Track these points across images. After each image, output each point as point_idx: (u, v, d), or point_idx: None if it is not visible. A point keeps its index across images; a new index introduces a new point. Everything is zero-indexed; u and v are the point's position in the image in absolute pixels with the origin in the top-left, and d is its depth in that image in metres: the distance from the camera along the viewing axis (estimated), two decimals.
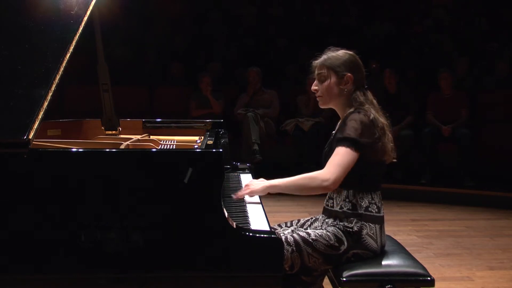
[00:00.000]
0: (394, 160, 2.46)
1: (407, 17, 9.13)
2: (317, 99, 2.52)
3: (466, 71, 7.50)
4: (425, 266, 2.40)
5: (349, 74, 2.43)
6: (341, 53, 2.48)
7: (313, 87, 2.51)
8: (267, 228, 2.22)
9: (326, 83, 2.45)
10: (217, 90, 7.19)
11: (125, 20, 8.07)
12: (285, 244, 2.24)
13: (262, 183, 2.46)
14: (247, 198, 2.67)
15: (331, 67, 2.44)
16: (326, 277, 2.46)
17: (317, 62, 2.50)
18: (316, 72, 2.49)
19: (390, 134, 2.42)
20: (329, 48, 2.52)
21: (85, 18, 2.38)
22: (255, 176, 3.00)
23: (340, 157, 2.28)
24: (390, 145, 2.40)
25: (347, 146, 2.28)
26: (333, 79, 2.44)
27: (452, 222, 5.43)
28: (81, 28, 2.33)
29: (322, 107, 2.57)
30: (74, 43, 2.26)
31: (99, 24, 3.08)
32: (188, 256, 1.96)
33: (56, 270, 1.95)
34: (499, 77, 7.33)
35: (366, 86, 2.49)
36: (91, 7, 2.45)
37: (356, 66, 2.47)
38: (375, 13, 9.23)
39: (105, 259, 1.94)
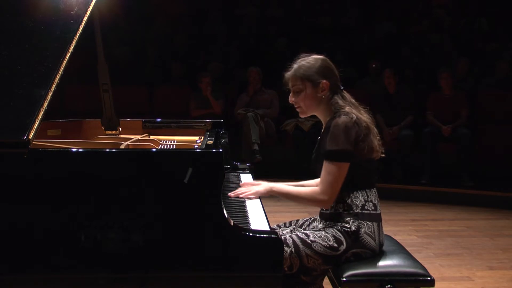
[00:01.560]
0: (383, 155, 2.45)
1: (407, 17, 9.13)
2: (297, 109, 2.51)
3: (466, 71, 7.50)
4: (425, 266, 2.40)
5: (324, 81, 2.41)
6: (312, 60, 2.45)
7: (290, 99, 2.49)
8: (267, 228, 2.22)
9: (302, 94, 2.44)
10: (217, 90, 7.19)
11: (125, 20, 8.06)
12: (284, 245, 2.24)
13: (264, 185, 2.45)
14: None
15: (305, 77, 2.42)
16: (326, 277, 2.46)
17: (289, 74, 2.48)
18: (290, 84, 2.47)
19: (375, 130, 2.41)
20: (299, 57, 2.50)
21: (85, 18, 2.38)
22: (255, 176, 3.00)
23: (332, 177, 2.30)
24: (376, 141, 2.40)
25: (336, 161, 2.30)
26: (309, 88, 2.42)
27: (452, 222, 5.42)
28: (81, 28, 2.33)
29: (302, 116, 2.56)
30: (74, 43, 2.26)
31: (99, 24, 3.08)
32: (188, 256, 1.96)
33: (56, 270, 1.95)
34: (499, 77, 7.33)
35: (342, 88, 2.47)
36: (91, 7, 2.45)
37: (330, 71, 2.45)
38: (375, 13, 9.23)
39: (105, 259, 1.94)
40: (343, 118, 2.32)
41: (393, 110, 6.71)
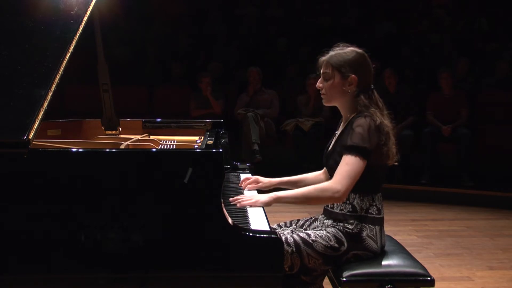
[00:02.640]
0: (396, 163, 2.43)
1: (407, 17, 9.13)
2: (321, 96, 2.49)
3: (466, 71, 7.50)
4: (425, 266, 2.40)
5: (353, 75, 2.38)
6: (349, 51, 2.42)
7: (318, 84, 2.46)
8: (267, 228, 2.22)
9: (330, 82, 2.41)
10: (217, 90, 7.19)
11: (125, 20, 8.06)
12: (285, 244, 2.24)
13: (267, 194, 2.39)
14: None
15: (336, 67, 2.39)
16: (326, 277, 2.46)
17: (323, 58, 2.44)
18: (321, 69, 2.45)
19: (394, 138, 2.39)
20: (338, 45, 2.46)
21: (85, 18, 2.38)
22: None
23: (350, 167, 2.26)
24: (394, 149, 2.38)
25: (356, 155, 2.26)
26: (337, 79, 2.39)
27: (452, 222, 5.43)
28: (81, 28, 2.33)
29: (325, 104, 2.53)
30: (74, 43, 2.26)
31: (99, 24, 3.08)
32: (188, 256, 1.96)
33: (56, 270, 1.95)
34: (499, 77, 7.33)
35: (372, 87, 2.44)
36: (91, 7, 2.45)
37: (363, 67, 2.41)
38: (375, 13, 9.23)
39: (105, 259, 1.94)
40: (368, 120, 2.30)
41: (393, 110, 6.70)
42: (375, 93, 2.44)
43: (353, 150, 2.27)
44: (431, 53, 8.28)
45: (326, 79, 2.43)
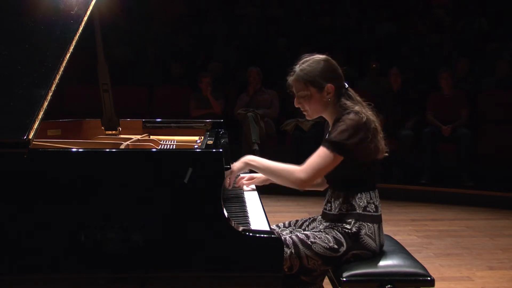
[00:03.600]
0: (386, 154, 2.41)
1: (407, 17, 9.13)
2: (303, 113, 2.48)
3: (466, 71, 7.50)
4: (425, 266, 2.40)
5: (329, 84, 2.36)
6: (314, 62, 2.40)
7: (296, 104, 2.45)
8: (267, 228, 2.22)
9: (308, 100, 2.40)
10: (217, 90, 7.19)
11: (125, 20, 8.06)
12: (284, 246, 2.23)
13: (240, 162, 2.54)
14: (246, 197, 2.68)
15: (309, 82, 2.37)
16: (326, 277, 2.46)
17: (292, 79, 2.43)
18: (294, 89, 2.43)
19: (381, 131, 2.38)
20: (301, 58, 2.45)
21: (85, 18, 2.38)
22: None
23: (320, 160, 2.27)
24: (383, 142, 2.37)
25: (331, 149, 2.26)
26: (314, 93, 2.38)
27: (452, 222, 5.43)
28: (81, 28, 2.33)
29: (309, 119, 2.54)
30: (74, 43, 2.26)
31: (99, 24, 3.08)
32: (188, 256, 1.96)
33: (56, 270, 1.95)
34: (499, 77, 7.33)
35: (346, 87, 2.42)
36: (91, 7, 2.45)
37: (333, 73, 2.40)
38: (375, 13, 9.23)
39: (105, 259, 1.94)
40: (352, 115, 2.29)
41: (395, 109, 6.72)
42: (350, 90, 2.43)
43: (329, 143, 2.28)
44: (431, 53, 8.28)
45: (303, 97, 2.41)
